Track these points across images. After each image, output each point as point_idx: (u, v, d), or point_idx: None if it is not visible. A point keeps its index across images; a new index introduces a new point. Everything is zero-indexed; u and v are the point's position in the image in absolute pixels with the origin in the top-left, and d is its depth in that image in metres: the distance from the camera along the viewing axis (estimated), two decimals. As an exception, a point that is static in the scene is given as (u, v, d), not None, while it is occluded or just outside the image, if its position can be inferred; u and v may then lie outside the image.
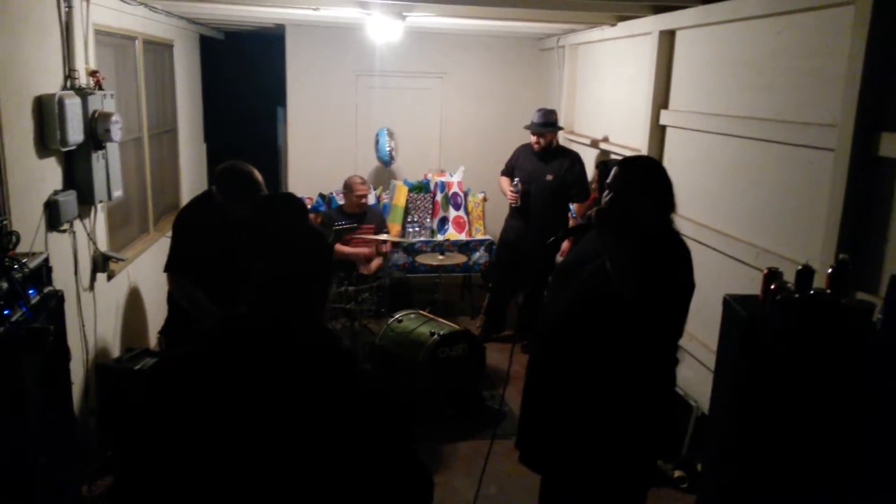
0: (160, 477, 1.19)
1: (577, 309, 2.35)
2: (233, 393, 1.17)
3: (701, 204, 3.90)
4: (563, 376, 2.39)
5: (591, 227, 2.34)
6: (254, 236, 1.43)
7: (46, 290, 2.69)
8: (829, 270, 2.38)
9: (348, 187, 5.22)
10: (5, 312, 2.30)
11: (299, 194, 6.24)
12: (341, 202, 5.57)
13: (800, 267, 2.41)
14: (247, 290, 1.20)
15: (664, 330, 2.33)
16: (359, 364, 1.40)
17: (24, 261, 2.52)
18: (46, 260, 2.77)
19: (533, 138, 5.22)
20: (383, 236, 5.09)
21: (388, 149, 6.40)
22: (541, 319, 2.59)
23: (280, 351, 1.20)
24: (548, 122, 5.18)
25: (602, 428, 2.33)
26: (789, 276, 2.47)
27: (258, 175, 3.28)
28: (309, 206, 6.08)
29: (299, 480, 1.19)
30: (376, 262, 5.22)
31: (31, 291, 2.50)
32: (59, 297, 2.77)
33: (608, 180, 2.37)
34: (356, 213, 5.23)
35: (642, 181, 2.34)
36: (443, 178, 6.26)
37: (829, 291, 2.36)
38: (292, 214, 2.47)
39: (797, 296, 2.34)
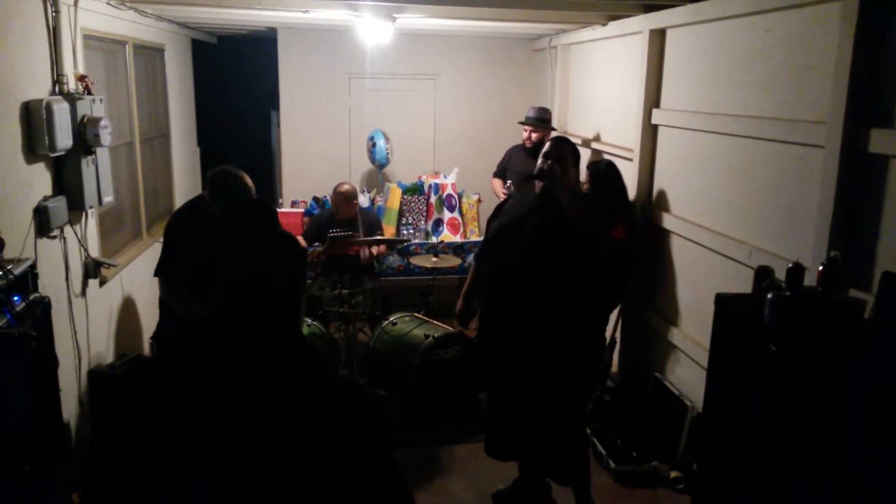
0: (127, 479, 1.17)
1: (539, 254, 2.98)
2: (195, 397, 1.16)
3: (693, 202, 3.89)
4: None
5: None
6: (218, 242, 1.43)
7: (32, 296, 2.66)
8: (821, 268, 2.36)
9: (337, 204, 5.11)
10: (-11, 320, 2.28)
11: (293, 197, 6.33)
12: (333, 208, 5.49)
13: (790, 265, 2.39)
14: (211, 295, 1.19)
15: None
16: (325, 367, 1.38)
17: (9, 267, 2.49)
18: (32, 266, 2.75)
19: (525, 133, 5.20)
20: (371, 249, 4.94)
21: (386, 151, 6.38)
22: (492, 276, 3.16)
23: (241, 354, 1.19)
24: (542, 119, 5.17)
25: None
26: (782, 274, 2.45)
27: (248, 180, 3.27)
28: (303, 210, 6.06)
29: (263, 485, 1.17)
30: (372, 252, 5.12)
31: (16, 298, 2.48)
32: (45, 304, 2.74)
33: (545, 150, 3.05)
34: (347, 219, 5.18)
35: (573, 152, 3.14)
36: (437, 180, 6.23)
37: (820, 289, 2.34)
38: (258, 221, 2.46)
39: (788, 293, 2.32)
